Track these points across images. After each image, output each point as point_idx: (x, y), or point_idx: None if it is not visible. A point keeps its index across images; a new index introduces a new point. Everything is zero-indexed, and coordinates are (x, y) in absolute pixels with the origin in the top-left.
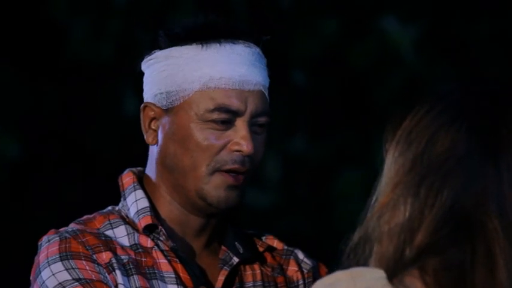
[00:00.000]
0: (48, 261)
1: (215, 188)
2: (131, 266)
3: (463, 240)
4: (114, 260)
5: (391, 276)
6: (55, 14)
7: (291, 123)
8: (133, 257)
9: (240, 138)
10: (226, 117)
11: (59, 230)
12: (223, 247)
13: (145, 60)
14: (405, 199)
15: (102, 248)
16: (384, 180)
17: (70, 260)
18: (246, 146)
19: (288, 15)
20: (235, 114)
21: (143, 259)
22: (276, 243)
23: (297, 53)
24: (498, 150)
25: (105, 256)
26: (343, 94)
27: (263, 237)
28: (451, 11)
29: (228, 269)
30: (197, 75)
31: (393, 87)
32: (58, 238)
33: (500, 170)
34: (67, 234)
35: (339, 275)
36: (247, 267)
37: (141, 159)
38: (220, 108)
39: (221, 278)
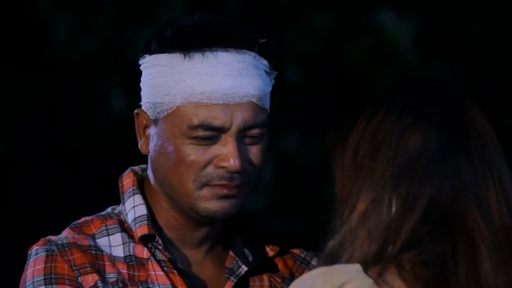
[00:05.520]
0: (33, 282)
1: (207, 200)
2: (120, 286)
3: (444, 235)
4: (100, 284)
5: (367, 268)
6: (39, 8)
7: (283, 121)
8: (126, 271)
9: (225, 155)
10: (210, 134)
11: (49, 238)
12: (231, 253)
13: (140, 61)
14: (387, 200)
15: (88, 268)
16: (347, 189)
17: (54, 285)
18: (232, 163)
19: (282, 10)
20: (219, 130)
21: (136, 273)
22: (292, 247)
23: (291, 49)
24: (468, 142)
25: (91, 279)
26: (338, 91)
27: (276, 238)
28: (448, 6)
29: (235, 280)
30: (180, 88)
31: (389, 85)
32: (45, 254)
33: (473, 160)
34: (55, 249)
35: (314, 272)
36: (255, 277)
37: (129, 158)
38: (202, 126)
39: None
